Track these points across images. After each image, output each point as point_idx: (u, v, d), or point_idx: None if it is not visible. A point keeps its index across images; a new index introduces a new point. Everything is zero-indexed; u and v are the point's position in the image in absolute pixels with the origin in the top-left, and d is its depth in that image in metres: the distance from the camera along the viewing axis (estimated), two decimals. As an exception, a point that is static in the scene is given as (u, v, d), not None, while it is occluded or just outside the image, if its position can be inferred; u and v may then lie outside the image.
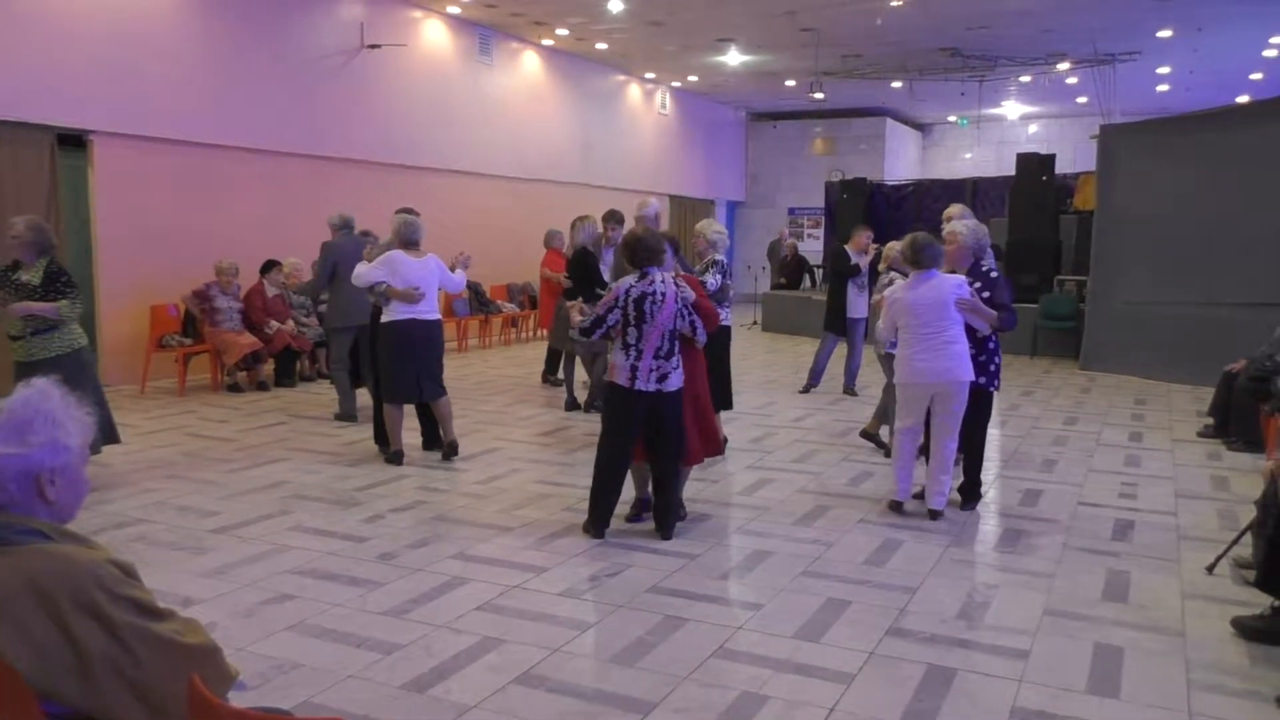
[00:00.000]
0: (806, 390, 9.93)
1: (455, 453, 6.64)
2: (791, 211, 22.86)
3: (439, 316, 6.53)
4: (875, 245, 9.34)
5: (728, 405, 6.78)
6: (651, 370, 4.92)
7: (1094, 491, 6.21)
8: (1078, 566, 4.79)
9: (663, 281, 4.96)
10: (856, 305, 9.49)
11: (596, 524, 5.09)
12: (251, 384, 9.73)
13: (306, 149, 11.52)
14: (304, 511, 5.54)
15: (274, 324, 9.78)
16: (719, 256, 6.46)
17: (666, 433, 4.97)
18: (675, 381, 4.95)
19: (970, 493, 5.75)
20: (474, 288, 13.37)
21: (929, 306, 5.28)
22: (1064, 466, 6.88)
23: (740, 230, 23.32)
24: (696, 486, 6.14)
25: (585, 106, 17.04)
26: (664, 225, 11.13)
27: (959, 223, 5.70)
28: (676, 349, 4.96)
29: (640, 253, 4.97)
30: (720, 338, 6.44)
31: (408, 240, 6.48)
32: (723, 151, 22.30)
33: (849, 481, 6.39)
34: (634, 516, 5.33)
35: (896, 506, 5.60)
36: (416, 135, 13.15)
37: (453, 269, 6.80)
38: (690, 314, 4.98)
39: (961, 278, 5.40)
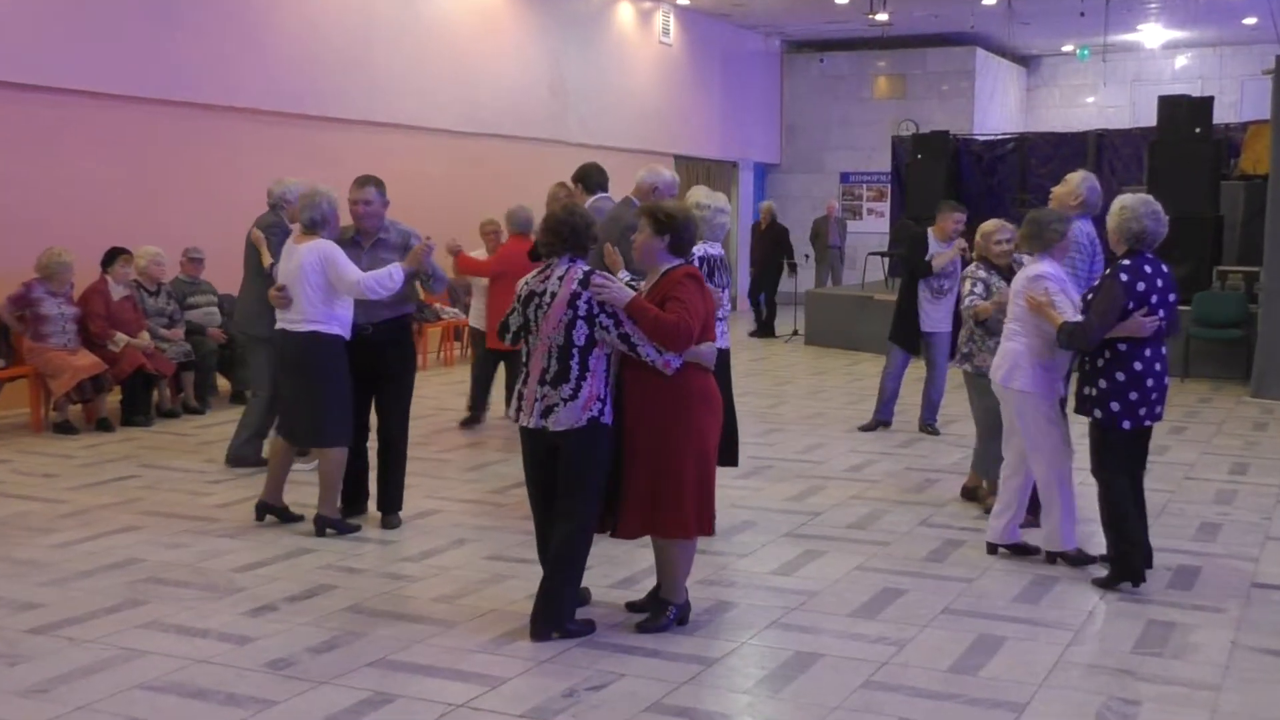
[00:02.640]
0: (873, 427, 9.96)
1: (320, 531, 6.62)
2: (845, 178, 22.93)
3: (319, 328, 6.48)
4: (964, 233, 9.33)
5: (729, 459, 6.77)
6: (536, 399, 5.00)
7: (1275, 568, 6.18)
8: (1255, 674, 4.76)
9: (559, 278, 4.98)
10: (931, 315, 9.51)
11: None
12: (90, 422, 9.70)
13: (172, 94, 11.52)
14: (163, 602, 5.49)
15: (122, 338, 9.76)
16: (711, 248, 6.39)
17: (562, 485, 5.02)
18: (567, 418, 4.92)
19: (1111, 567, 5.88)
20: (403, 286, 13.34)
21: (1011, 296, 6.22)
22: (1231, 532, 6.86)
23: (776, 203, 23.23)
24: (715, 562, 6.12)
25: (558, 35, 17.09)
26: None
27: (1132, 197, 5.89)
28: (578, 374, 4.92)
29: (542, 236, 5.15)
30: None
31: (304, 222, 6.64)
32: (749, 96, 22.38)
33: (929, 555, 6.36)
34: (636, 607, 5.34)
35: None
36: (324, 77, 13.17)
37: (424, 276, 6.74)
38: (617, 328, 4.88)
39: (1045, 269, 6.00)
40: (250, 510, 6.98)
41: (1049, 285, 5.87)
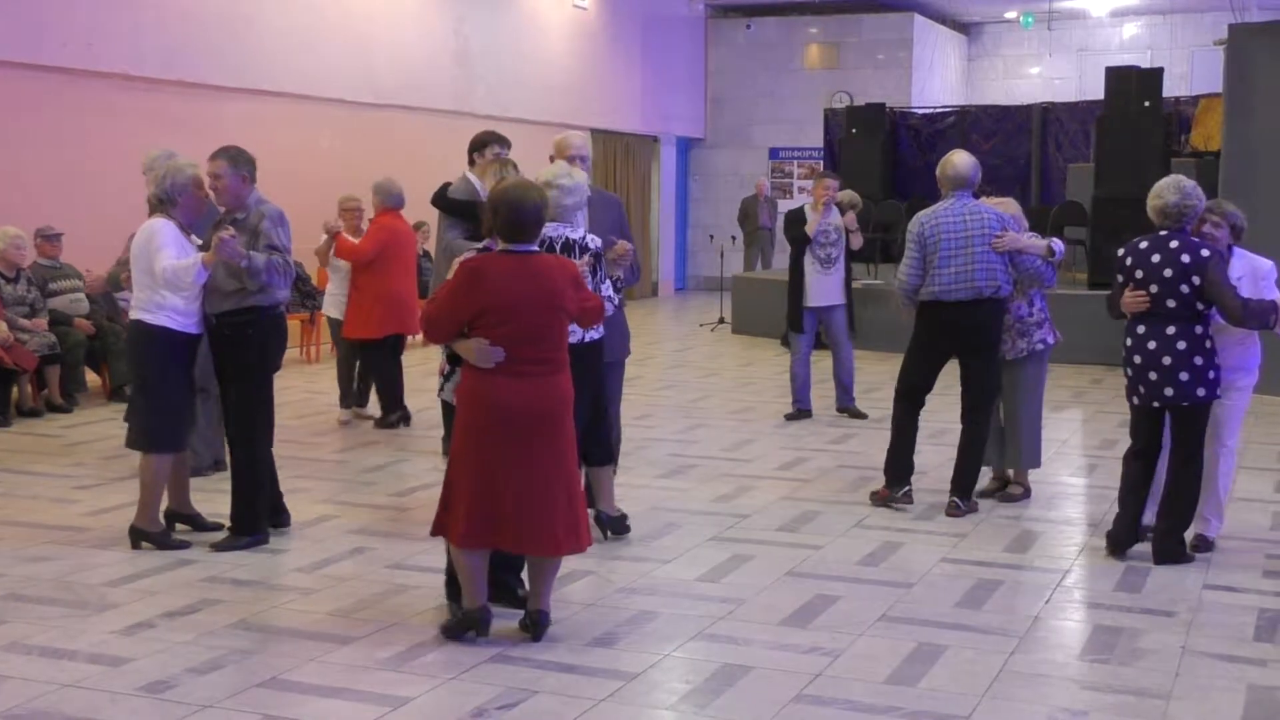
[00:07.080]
0: (795, 416, 10.24)
1: (134, 544, 6.48)
2: (774, 154, 23.07)
3: (144, 317, 6.43)
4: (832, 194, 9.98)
5: (600, 457, 6.55)
6: None
7: (1227, 570, 6.34)
8: (1206, 681, 4.86)
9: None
10: (820, 288, 9.98)
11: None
12: (-59, 423, 9.51)
13: (26, 55, 11.29)
14: (24, 620, 5.42)
15: (-26, 329, 9.58)
16: (550, 229, 5.73)
17: None
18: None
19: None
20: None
21: None
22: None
23: (701, 181, 23.48)
24: (635, 569, 6.15)
25: (462, -4, 17.03)
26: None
27: (1167, 179, 6.41)
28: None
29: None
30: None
31: (148, 198, 6.83)
32: (671, 65, 22.42)
33: (864, 559, 6.43)
34: (522, 624, 5.28)
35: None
36: (200, 39, 12.99)
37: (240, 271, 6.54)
38: None
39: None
40: (120, 518, 6.87)
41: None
